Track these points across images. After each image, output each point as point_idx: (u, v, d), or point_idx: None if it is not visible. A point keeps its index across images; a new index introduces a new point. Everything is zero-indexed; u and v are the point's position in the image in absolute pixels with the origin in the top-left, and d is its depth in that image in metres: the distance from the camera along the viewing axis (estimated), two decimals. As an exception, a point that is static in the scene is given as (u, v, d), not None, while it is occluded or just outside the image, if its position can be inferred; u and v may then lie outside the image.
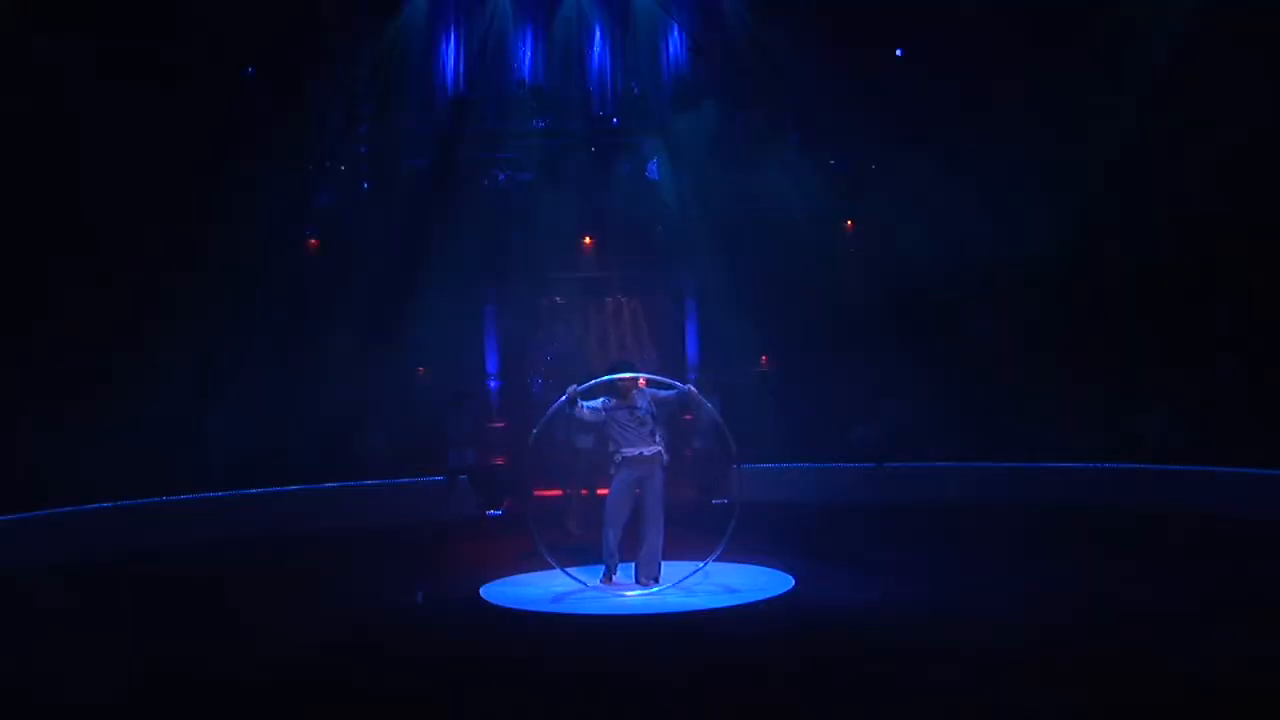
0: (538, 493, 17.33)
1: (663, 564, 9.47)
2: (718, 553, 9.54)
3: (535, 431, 9.59)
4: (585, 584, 9.45)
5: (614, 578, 9.48)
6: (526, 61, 18.62)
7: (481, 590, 9.53)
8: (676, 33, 18.54)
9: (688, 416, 17.17)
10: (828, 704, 6.29)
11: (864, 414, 15.77)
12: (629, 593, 9.28)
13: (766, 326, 17.17)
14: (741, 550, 10.36)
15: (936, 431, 15.02)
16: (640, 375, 9.66)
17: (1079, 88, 15.75)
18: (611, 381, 9.45)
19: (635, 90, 18.61)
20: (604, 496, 9.62)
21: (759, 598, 8.99)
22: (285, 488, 14.13)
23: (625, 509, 9.40)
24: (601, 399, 9.43)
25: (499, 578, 10.04)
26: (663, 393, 9.69)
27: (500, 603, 9.10)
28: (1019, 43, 15.94)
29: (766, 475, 15.36)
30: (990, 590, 9.13)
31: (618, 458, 9.34)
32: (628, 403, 9.39)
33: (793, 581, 9.46)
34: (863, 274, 17.16)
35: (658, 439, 9.40)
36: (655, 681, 6.81)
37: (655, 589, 9.31)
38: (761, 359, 17.89)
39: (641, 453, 9.29)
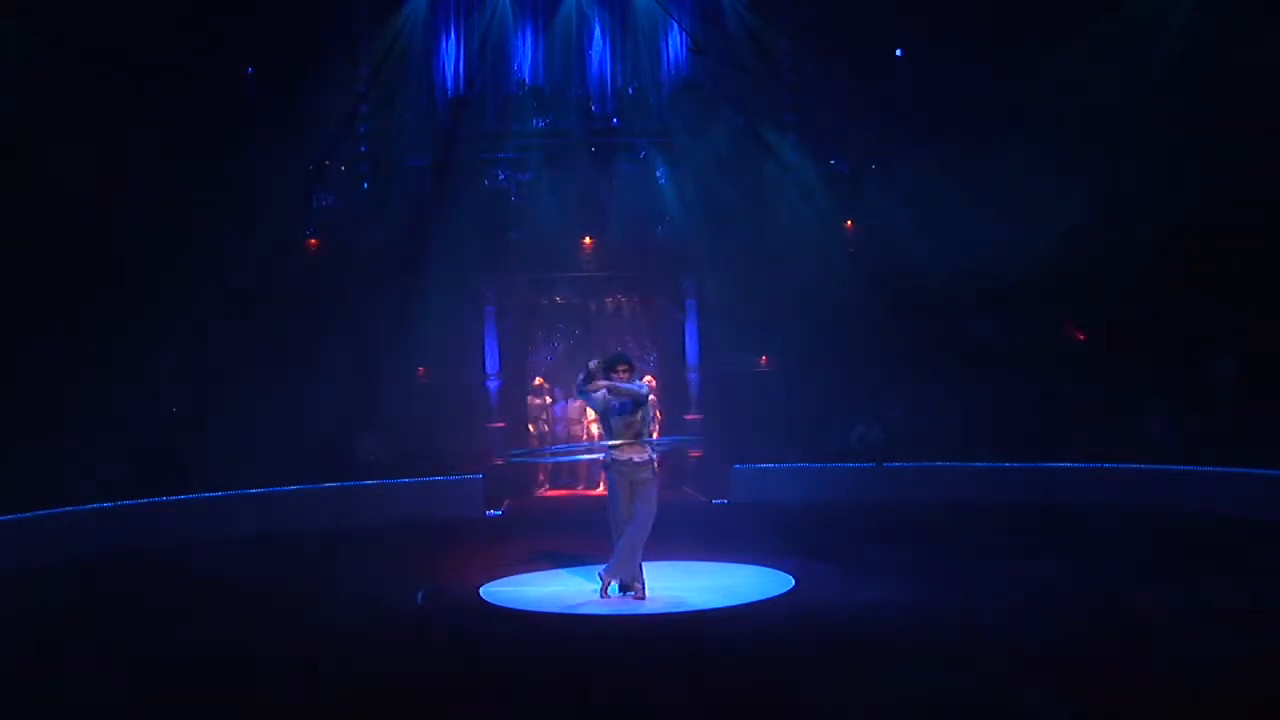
0: (540, 494, 17.43)
1: (643, 567, 9.02)
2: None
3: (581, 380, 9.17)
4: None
5: (644, 590, 8.92)
6: (526, 61, 18.62)
7: (481, 590, 9.53)
8: (677, 32, 18.52)
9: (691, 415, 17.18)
10: (827, 704, 6.29)
11: (865, 414, 15.76)
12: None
13: (767, 326, 17.16)
14: (741, 550, 10.35)
15: (936, 431, 15.01)
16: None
17: (1080, 88, 15.75)
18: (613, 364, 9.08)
19: (630, 91, 18.59)
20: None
21: (758, 598, 8.98)
22: (285, 488, 14.13)
23: (628, 508, 8.95)
24: (603, 391, 9.05)
25: (499, 578, 10.04)
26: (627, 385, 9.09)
27: (500, 603, 9.10)
28: (1020, 41, 15.94)
29: (767, 475, 15.38)
30: (991, 590, 9.11)
31: (605, 458, 9.08)
32: (619, 396, 8.96)
33: (792, 581, 9.45)
34: (862, 273, 17.16)
35: (644, 440, 8.98)
36: (654, 682, 6.80)
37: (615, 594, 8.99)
38: (762, 359, 17.90)
39: (631, 459, 8.90)
